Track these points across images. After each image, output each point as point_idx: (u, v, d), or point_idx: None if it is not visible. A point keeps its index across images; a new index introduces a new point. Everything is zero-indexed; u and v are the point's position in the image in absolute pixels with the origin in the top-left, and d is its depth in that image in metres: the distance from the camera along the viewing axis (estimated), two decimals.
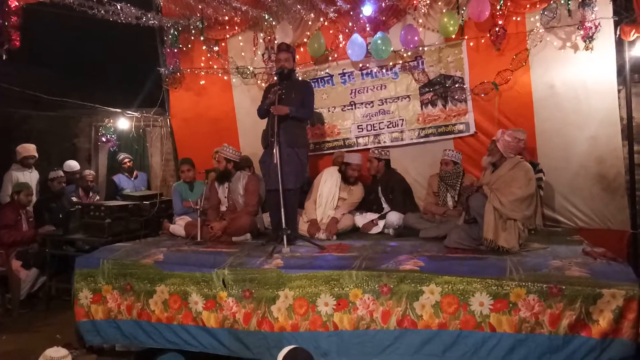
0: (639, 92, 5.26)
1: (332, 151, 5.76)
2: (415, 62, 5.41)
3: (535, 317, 3.10)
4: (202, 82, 6.17)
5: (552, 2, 4.79)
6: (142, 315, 3.84)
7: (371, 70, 5.58)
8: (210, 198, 5.06)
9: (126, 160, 6.63)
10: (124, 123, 6.70)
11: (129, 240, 4.76)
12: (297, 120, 4.63)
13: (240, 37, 5.95)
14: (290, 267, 3.66)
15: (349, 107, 5.73)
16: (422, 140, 5.48)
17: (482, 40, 5.12)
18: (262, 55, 5.84)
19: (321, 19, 5.54)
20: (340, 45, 5.55)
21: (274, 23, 5.67)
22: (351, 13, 5.40)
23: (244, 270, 3.68)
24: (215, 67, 6.07)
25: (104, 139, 6.54)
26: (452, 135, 5.36)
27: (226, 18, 5.77)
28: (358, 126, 5.70)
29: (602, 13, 4.64)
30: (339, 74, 5.70)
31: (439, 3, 5.14)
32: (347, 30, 5.47)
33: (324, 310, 3.47)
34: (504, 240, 3.80)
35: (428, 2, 5.13)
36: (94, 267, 4.01)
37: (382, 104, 5.60)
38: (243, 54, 5.96)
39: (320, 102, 5.70)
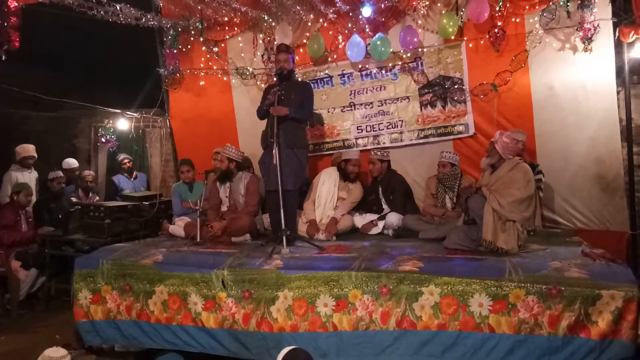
0: (638, 93, 5.27)
1: (331, 152, 5.76)
2: (415, 63, 5.42)
3: (535, 318, 3.10)
4: (202, 82, 6.17)
5: (551, 3, 4.80)
6: (141, 315, 3.84)
7: (370, 71, 5.58)
8: (211, 198, 5.07)
9: (126, 160, 6.63)
10: (123, 124, 6.70)
11: (129, 241, 4.77)
12: (297, 121, 4.63)
13: (239, 38, 5.95)
14: (289, 267, 3.66)
15: (349, 108, 5.73)
16: (421, 141, 5.48)
17: (482, 42, 5.13)
18: (262, 56, 5.84)
19: (320, 20, 5.54)
20: (340, 46, 5.55)
21: (273, 24, 5.67)
22: (350, 14, 5.39)
23: (243, 270, 3.69)
24: (214, 67, 6.07)
25: (103, 140, 6.54)
26: (452, 137, 5.36)
27: (226, 19, 5.77)
28: (357, 127, 5.70)
29: (601, 14, 4.65)
30: (339, 75, 5.71)
31: (438, 4, 5.14)
32: (346, 31, 5.47)
33: (323, 311, 3.47)
34: (503, 242, 3.80)
35: (427, 3, 5.13)
36: (93, 267, 4.01)
37: (382, 105, 5.60)
38: (242, 54, 5.96)
39: (320, 103, 5.70)
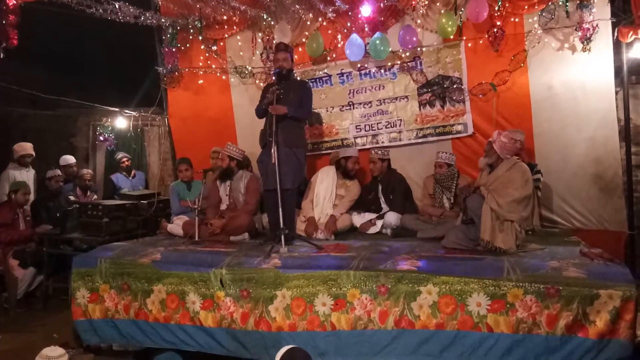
0: (637, 93, 5.28)
1: (330, 151, 5.75)
2: (414, 63, 5.42)
3: (533, 317, 3.11)
4: (201, 81, 6.16)
5: (550, 3, 4.80)
6: (139, 314, 3.84)
7: (369, 71, 5.58)
8: (210, 196, 5.08)
9: (124, 159, 6.62)
10: (121, 122, 6.70)
11: (127, 240, 4.75)
12: (295, 120, 4.63)
13: (238, 37, 5.94)
14: (288, 267, 3.66)
15: (347, 107, 5.73)
16: (420, 140, 5.48)
17: (480, 41, 5.13)
18: (261, 55, 5.83)
19: (320, 19, 5.54)
20: (339, 46, 5.55)
21: (272, 23, 5.66)
22: (350, 13, 5.39)
23: (241, 269, 3.68)
24: (213, 66, 6.06)
25: (101, 138, 6.54)
26: (450, 136, 5.36)
27: (225, 17, 5.76)
28: (356, 126, 5.70)
29: (600, 15, 4.65)
30: (338, 74, 5.70)
31: (438, 4, 5.14)
32: (345, 31, 5.47)
33: (321, 310, 3.47)
34: (501, 241, 3.80)
35: (426, 2, 5.13)
36: (91, 266, 4.00)
37: (381, 104, 5.60)
38: (241, 53, 5.95)
39: (319, 102, 5.70)
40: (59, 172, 5.95)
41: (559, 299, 3.06)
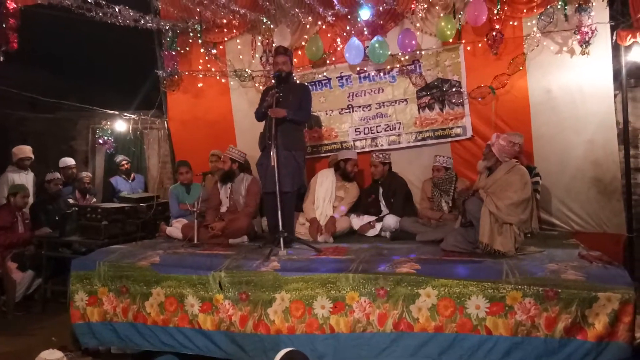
0: (635, 96, 5.29)
1: (329, 154, 5.77)
2: (413, 66, 5.43)
3: (531, 320, 3.10)
4: (200, 84, 6.17)
5: (549, 6, 4.82)
6: (138, 317, 3.83)
7: (369, 74, 5.59)
8: (211, 199, 5.09)
9: (124, 162, 6.63)
10: (121, 125, 6.70)
11: (126, 243, 4.75)
12: (295, 123, 4.64)
13: (238, 40, 5.96)
14: (286, 269, 3.66)
15: (347, 111, 5.74)
16: (419, 143, 5.50)
17: (479, 45, 5.14)
18: (260, 58, 5.85)
19: (319, 23, 5.56)
20: (338, 49, 5.56)
21: (272, 26, 5.68)
22: (349, 17, 5.41)
23: (240, 272, 3.68)
24: (213, 69, 6.07)
25: (101, 141, 6.55)
26: (449, 139, 5.37)
27: (224, 21, 5.78)
28: (355, 129, 5.71)
29: (599, 18, 4.67)
30: (337, 78, 5.72)
31: (437, 7, 5.16)
32: (344, 34, 5.48)
33: (320, 313, 3.47)
34: (500, 244, 3.80)
35: (426, 6, 5.15)
36: (90, 269, 3.99)
37: (380, 107, 5.61)
38: (241, 56, 5.97)
39: (318, 105, 5.71)
40: (58, 175, 5.95)
41: (558, 301, 3.06)
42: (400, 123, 5.54)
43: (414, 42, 5.19)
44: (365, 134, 5.67)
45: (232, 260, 3.90)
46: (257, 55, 5.88)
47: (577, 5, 4.70)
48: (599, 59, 4.76)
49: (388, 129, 5.59)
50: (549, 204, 5.07)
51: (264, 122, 4.71)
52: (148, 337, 3.80)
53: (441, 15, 5.11)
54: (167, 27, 5.92)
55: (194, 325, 3.69)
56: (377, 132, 5.62)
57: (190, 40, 6.02)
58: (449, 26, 5.00)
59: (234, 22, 5.78)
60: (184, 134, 6.37)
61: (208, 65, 6.09)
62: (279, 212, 4.17)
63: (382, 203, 5.17)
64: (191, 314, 3.70)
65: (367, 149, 5.61)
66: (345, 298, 3.43)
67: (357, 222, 5.08)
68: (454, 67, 5.29)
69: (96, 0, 4.75)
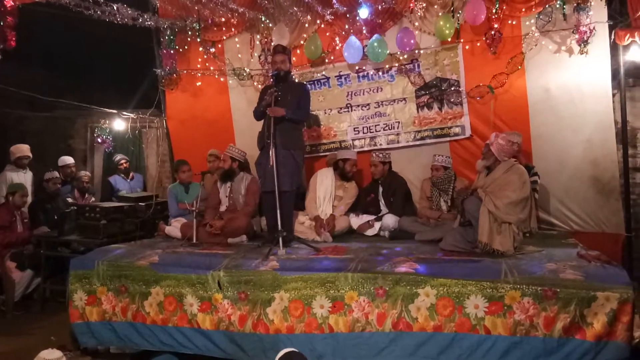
0: (633, 96, 5.29)
1: (328, 153, 5.76)
2: (412, 65, 5.43)
3: (530, 319, 3.11)
4: (199, 83, 6.16)
5: (547, 6, 4.82)
6: (137, 317, 3.83)
7: (367, 73, 5.59)
8: (210, 198, 5.09)
9: (122, 161, 6.61)
10: (119, 124, 6.68)
11: (125, 242, 4.75)
12: (293, 122, 4.64)
13: (236, 39, 5.94)
14: (285, 269, 3.66)
15: (345, 110, 5.73)
16: (418, 142, 5.49)
17: (478, 44, 5.14)
18: (259, 57, 5.83)
19: (318, 22, 5.55)
20: (337, 48, 5.55)
21: (270, 25, 5.67)
22: (348, 16, 5.40)
23: (239, 272, 3.68)
24: (211, 68, 6.06)
25: (99, 140, 6.52)
26: (448, 138, 5.37)
27: (223, 20, 5.76)
28: (354, 128, 5.70)
29: (597, 17, 4.67)
30: (336, 77, 5.71)
31: (435, 6, 5.15)
32: (343, 33, 5.47)
33: (319, 312, 3.47)
34: (499, 244, 3.81)
35: (424, 5, 5.13)
36: (88, 268, 3.99)
37: (379, 106, 5.61)
38: (239, 55, 5.95)
39: (317, 104, 5.71)
40: (56, 174, 5.94)
41: (557, 301, 3.07)
42: (399, 122, 5.54)
43: (412, 41, 5.18)
44: (364, 133, 5.67)
45: (231, 260, 3.90)
46: (255, 54, 5.87)
47: (575, 4, 4.70)
48: (597, 59, 4.76)
49: (387, 128, 5.58)
50: (548, 203, 5.08)
51: (262, 121, 4.71)
52: (147, 337, 3.80)
53: (440, 14, 5.11)
54: (165, 26, 5.90)
55: (193, 324, 3.69)
56: (376, 131, 5.62)
57: (189, 39, 6.00)
58: (448, 25, 5.00)
59: (232, 20, 5.77)
60: (183, 133, 6.36)
61: (207, 64, 6.07)
62: (278, 211, 4.18)
63: (382, 202, 5.18)
64: (190, 313, 3.70)
65: (365, 148, 5.61)
66: (344, 297, 3.44)
67: (356, 221, 5.08)
68: (453, 66, 5.29)
69: None
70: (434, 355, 3.27)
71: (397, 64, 5.45)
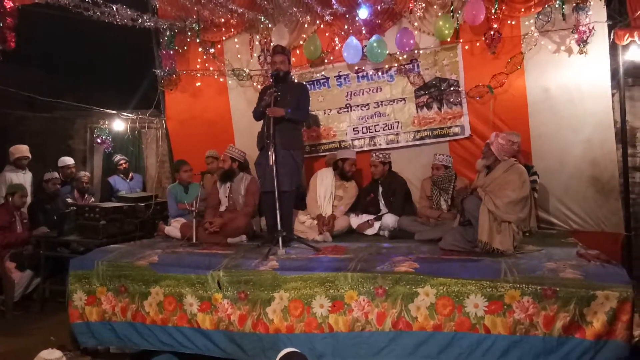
0: (633, 95, 5.31)
1: (327, 153, 5.77)
2: (411, 65, 5.44)
3: (530, 318, 3.11)
4: (198, 84, 6.17)
5: (546, 6, 4.83)
6: (136, 317, 3.83)
7: (367, 73, 5.60)
8: (210, 198, 5.09)
9: (122, 161, 6.61)
10: (119, 124, 6.69)
11: (124, 242, 4.75)
12: (293, 123, 4.64)
13: (236, 39, 5.95)
14: (285, 268, 3.66)
15: (345, 110, 5.74)
16: (417, 142, 5.50)
17: (477, 44, 5.15)
18: (258, 57, 5.84)
19: (317, 22, 5.55)
20: (336, 48, 5.57)
21: (270, 25, 5.68)
22: (347, 16, 5.41)
23: (239, 271, 3.68)
24: (211, 69, 6.06)
25: (99, 141, 6.52)
26: (448, 138, 5.38)
27: (222, 20, 5.77)
28: (354, 128, 5.71)
29: (596, 17, 4.68)
30: (335, 77, 5.72)
31: (435, 6, 5.16)
32: (343, 33, 5.49)
33: (319, 312, 3.47)
34: (499, 243, 3.81)
35: (424, 5, 5.15)
36: (88, 268, 3.99)
37: (378, 106, 5.61)
38: (239, 56, 5.96)
39: (316, 104, 5.71)
40: (56, 174, 5.95)
41: (556, 300, 3.07)
42: (398, 122, 5.54)
43: (412, 41, 5.19)
44: (363, 133, 5.67)
45: (230, 260, 3.90)
46: (255, 55, 5.87)
47: (574, 4, 4.71)
48: (596, 58, 4.77)
49: (386, 128, 5.59)
50: (547, 202, 5.09)
51: (262, 121, 4.71)
52: (147, 337, 3.80)
53: (439, 14, 5.12)
54: (165, 26, 5.90)
55: (192, 324, 3.69)
56: (376, 131, 5.63)
57: (188, 40, 6.01)
58: (447, 25, 5.01)
59: (231, 21, 5.78)
60: (182, 133, 6.36)
61: (206, 65, 6.08)
62: (278, 211, 4.18)
63: (382, 202, 5.18)
64: (190, 313, 3.70)
65: (365, 148, 5.61)
66: (344, 297, 3.44)
67: (356, 220, 5.09)
68: (452, 66, 5.30)
69: None
70: (433, 354, 3.27)
71: (396, 64, 5.46)
